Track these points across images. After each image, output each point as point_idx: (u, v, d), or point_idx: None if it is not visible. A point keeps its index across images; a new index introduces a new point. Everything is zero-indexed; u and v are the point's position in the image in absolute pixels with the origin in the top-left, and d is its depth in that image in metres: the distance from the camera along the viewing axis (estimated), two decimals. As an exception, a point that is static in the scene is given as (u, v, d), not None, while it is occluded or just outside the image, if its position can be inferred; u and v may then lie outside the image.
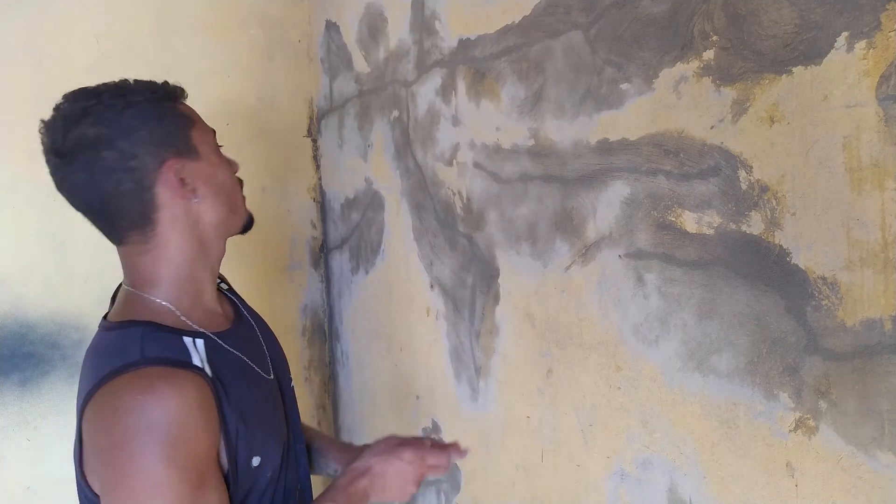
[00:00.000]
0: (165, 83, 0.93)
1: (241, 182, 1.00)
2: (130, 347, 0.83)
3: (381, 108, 1.65)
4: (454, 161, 1.35)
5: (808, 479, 0.74)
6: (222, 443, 0.83)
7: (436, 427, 1.51)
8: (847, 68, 0.66)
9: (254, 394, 0.92)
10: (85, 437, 0.81)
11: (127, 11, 1.75)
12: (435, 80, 1.40)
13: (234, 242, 2.03)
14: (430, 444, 1.06)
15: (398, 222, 1.61)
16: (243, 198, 0.99)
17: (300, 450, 1.05)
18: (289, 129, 2.02)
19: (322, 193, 2.07)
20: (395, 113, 1.58)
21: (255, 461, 0.88)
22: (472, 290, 1.33)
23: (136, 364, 0.80)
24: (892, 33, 0.62)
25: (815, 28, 0.69)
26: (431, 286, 1.48)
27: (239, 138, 1.91)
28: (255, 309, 1.13)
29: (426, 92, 1.44)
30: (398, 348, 1.66)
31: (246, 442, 0.86)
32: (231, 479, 0.85)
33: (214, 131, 0.96)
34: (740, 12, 0.77)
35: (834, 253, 0.69)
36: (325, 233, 2.09)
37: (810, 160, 0.71)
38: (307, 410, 2.07)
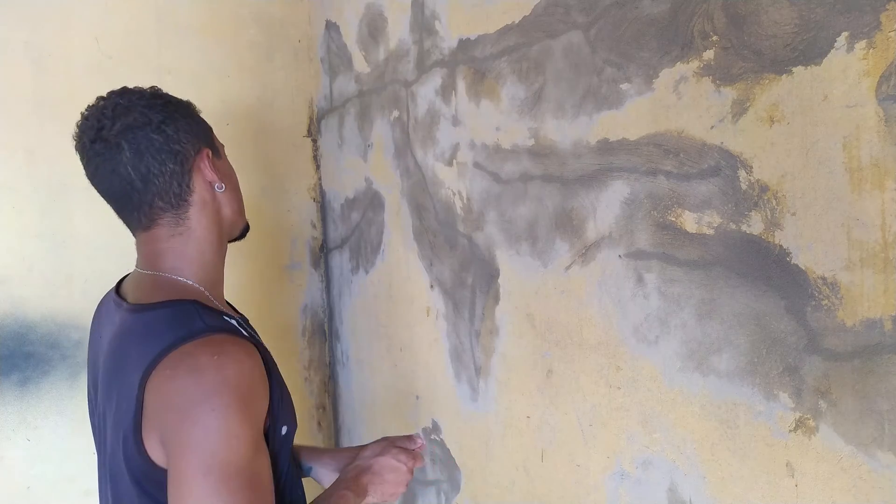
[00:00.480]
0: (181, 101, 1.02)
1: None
2: (192, 318, 0.88)
3: (381, 108, 1.65)
4: (454, 161, 1.35)
5: (808, 479, 0.74)
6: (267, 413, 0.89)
7: (436, 427, 1.51)
8: (847, 68, 0.66)
9: (278, 370, 0.99)
10: (150, 403, 0.83)
11: (127, 11, 1.75)
12: (435, 80, 1.40)
13: (233, 242, 2.03)
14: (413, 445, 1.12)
15: (398, 222, 1.61)
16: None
17: None
18: (289, 129, 2.02)
19: (322, 193, 2.07)
20: (395, 113, 1.58)
21: (284, 430, 0.93)
22: (472, 290, 1.33)
23: (203, 331, 0.85)
24: (892, 33, 0.62)
25: (815, 28, 0.69)
26: (431, 286, 1.48)
27: (239, 138, 1.91)
28: (248, 310, 1.20)
29: (426, 92, 1.44)
30: (398, 348, 1.66)
31: (280, 411, 0.92)
32: (271, 446, 0.90)
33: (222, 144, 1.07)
34: (740, 12, 0.77)
35: (834, 253, 0.69)
36: (325, 233, 2.09)
37: (810, 160, 0.71)
38: (307, 410, 2.07)
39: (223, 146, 1.04)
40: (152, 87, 0.98)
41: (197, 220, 0.97)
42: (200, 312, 0.89)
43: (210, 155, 0.97)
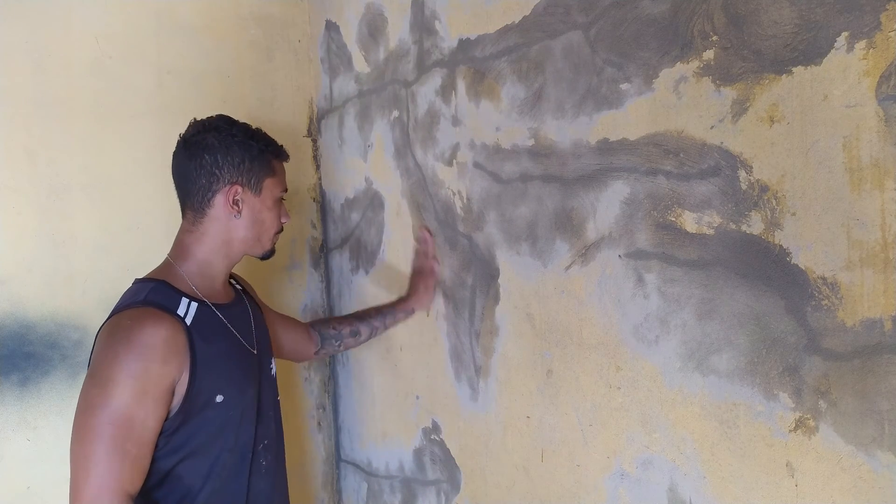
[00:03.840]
0: (281, 146, 1.30)
1: (280, 230, 1.31)
2: (141, 293, 1.15)
3: (381, 108, 1.65)
4: (454, 161, 1.35)
5: (808, 479, 0.74)
6: (185, 377, 1.10)
7: (436, 427, 1.51)
8: (847, 68, 0.66)
9: (230, 351, 1.21)
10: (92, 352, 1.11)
11: (127, 11, 1.75)
12: (435, 80, 1.40)
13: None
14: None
15: (398, 222, 1.61)
16: (274, 240, 1.31)
17: (273, 417, 1.33)
18: (289, 129, 2.02)
19: (322, 193, 2.07)
20: (395, 113, 1.58)
21: (219, 398, 1.15)
22: (472, 290, 1.33)
23: (138, 303, 1.12)
24: (892, 33, 0.63)
25: (815, 28, 0.69)
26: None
27: (239, 138, 1.91)
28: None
29: (426, 92, 1.44)
30: (398, 348, 1.66)
31: (211, 380, 1.14)
32: (185, 404, 1.11)
33: (286, 190, 1.31)
34: (740, 12, 0.77)
35: (834, 253, 0.69)
36: (325, 233, 2.09)
37: (810, 160, 0.71)
38: (307, 410, 2.06)
39: (284, 189, 1.29)
40: (253, 128, 1.26)
41: (209, 226, 1.22)
42: (155, 290, 1.15)
43: (240, 190, 1.21)
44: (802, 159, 0.71)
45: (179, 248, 1.24)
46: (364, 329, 1.55)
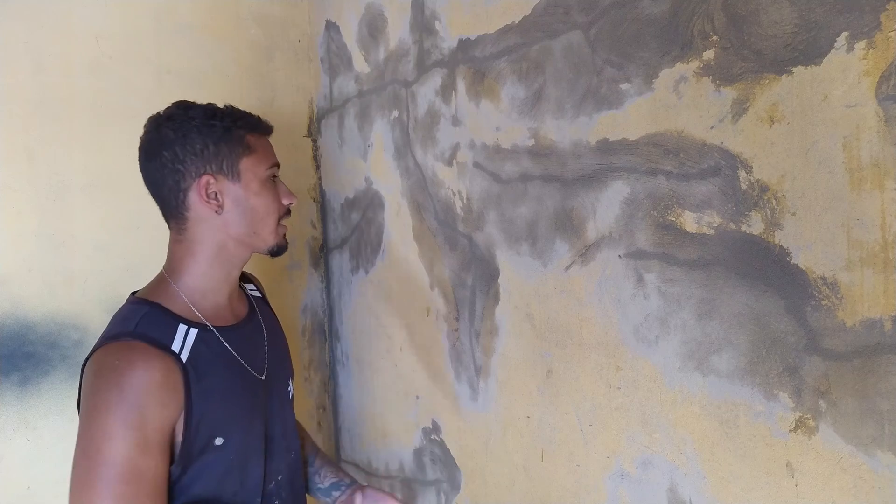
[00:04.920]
0: (256, 117, 1.13)
1: (287, 213, 1.15)
2: (131, 321, 1.00)
3: (381, 108, 1.65)
4: (454, 161, 1.35)
5: (808, 479, 0.74)
6: (182, 420, 0.98)
7: (436, 427, 1.51)
8: (847, 68, 0.66)
9: (233, 384, 1.07)
10: (81, 389, 0.99)
11: (127, 11, 1.75)
12: (435, 80, 1.40)
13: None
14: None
15: (398, 222, 1.61)
16: (280, 227, 1.13)
17: (286, 447, 1.18)
18: (289, 129, 2.02)
19: (322, 193, 2.07)
20: (395, 113, 1.58)
21: (219, 441, 1.02)
22: (472, 290, 1.33)
23: (127, 335, 0.98)
24: (892, 33, 0.62)
25: (815, 28, 0.69)
26: (431, 286, 1.48)
27: (239, 138, 1.91)
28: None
29: (426, 92, 1.44)
30: (398, 348, 1.66)
31: (210, 422, 1.01)
32: (184, 450, 0.99)
33: (276, 166, 1.13)
34: (740, 12, 0.77)
35: (834, 253, 0.69)
36: (325, 233, 2.09)
37: (810, 160, 0.71)
38: (307, 410, 2.06)
39: (269, 166, 1.11)
40: (212, 105, 1.10)
41: (195, 231, 1.07)
42: (146, 316, 1.01)
43: (212, 181, 1.04)
44: (802, 159, 0.71)
45: (172, 262, 1.09)
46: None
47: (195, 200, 1.05)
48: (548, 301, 1.12)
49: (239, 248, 1.11)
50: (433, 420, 1.52)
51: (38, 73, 1.64)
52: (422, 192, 1.49)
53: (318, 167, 2.08)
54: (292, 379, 1.25)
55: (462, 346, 1.38)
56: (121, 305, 1.08)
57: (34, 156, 1.65)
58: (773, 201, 0.75)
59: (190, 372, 1.00)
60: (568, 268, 1.07)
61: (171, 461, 0.99)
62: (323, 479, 1.30)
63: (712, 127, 0.81)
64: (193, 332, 1.03)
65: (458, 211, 1.35)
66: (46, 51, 1.65)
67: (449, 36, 1.34)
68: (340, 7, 1.83)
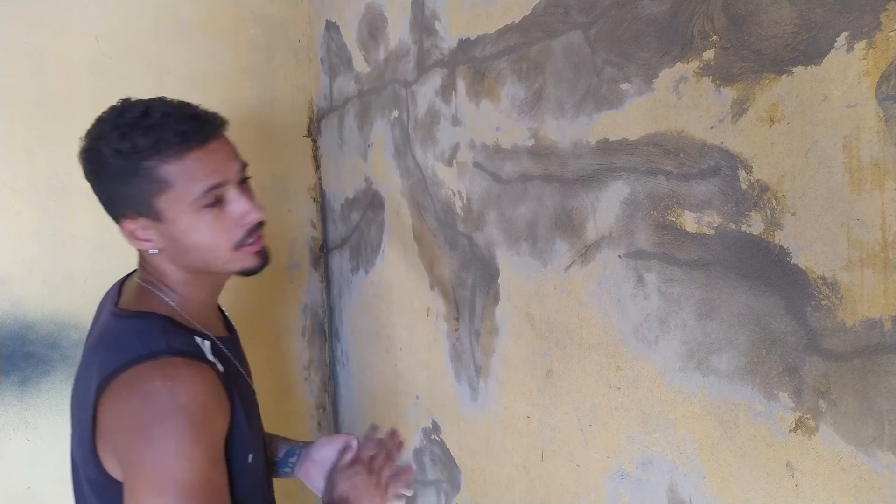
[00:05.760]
0: (184, 129, 0.89)
1: (256, 226, 0.96)
2: (155, 337, 0.88)
3: (381, 108, 1.65)
4: (454, 161, 1.35)
5: (808, 479, 0.74)
6: (228, 431, 0.89)
7: (436, 427, 1.51)
8: (847, 68, 0.66)
9: (249, 396, 1.01)
10: (104, 419, 0.85)
11: (127, 11, 1.75)
12: (435, 80, 1.40)
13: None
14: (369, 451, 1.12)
15: (398, 222, 1.61)
16: (240, 252, 0.95)
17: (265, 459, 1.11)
18: (289, 129, 2.02)
19: (322, 193, 2.07)
20: (395, 113, 1.58)
21: (251, 457, 0.94)
22: (472, 290, 1.33)
23: (162, 353, 0.86)
24: (892, 33, 0.62)
25: (815, 28, 0.69)
26: (431, 286, 1.48)
27: (239, 138, 1.90)
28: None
29: (426, 92, 1.44)
30: (398, 348, 1.66)
31: (245, 437, 0.93)
32: (230, 469, 0.90)
33: (217, 186, 0.91)
34: (740, 12, 0.77)
35: (834, 253, 0.69)
36: (325, 233, 2.08)
37: (810, 160, 0.71)
38: (307, 410, 2.06)
39: (200, 191, 0.90)
40: (134, 122, 0.89)
41: (151, 261, 0.96)
42: (167, 331, 0.89)
43: (133, 223, 0.91)
44: (802, 159, 0.71)
45: (152, 273, 0.97)
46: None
47: (129, 240, 0.94)
48: (548, 301, 1.12)
49: (201, 275, 0.98)
50: (433, 420, 1.52)
51: (38, 73, 1.64)
52: (422, 192, 1.49)
53: (318, 167, 2.08)
54: None
55: (462, 346, 1.38)
56: (115, 322, 0.95)
57: (34, 156, 1.65)
58: (773, 201, 0.75)
59: (228, 382, 0.91)
60: (568, 268, 1.07)
61: None
62: (276, 452, 1.22)
63: (712, 127, 0.81)
64: (207, 343, 0.94)
65: (458, 211, 1.35)
66: (46, 51, 1.65)
67: (449, 36, 1.34)
68: (340, 7, 1.83)
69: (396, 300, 1.65)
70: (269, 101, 1.98)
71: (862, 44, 0.65)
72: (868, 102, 0.65)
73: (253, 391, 1.06)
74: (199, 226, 0.91)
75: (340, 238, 1.97)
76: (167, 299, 0.95)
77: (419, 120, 1.47)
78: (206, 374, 0.87)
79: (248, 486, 0.95)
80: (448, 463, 1.47)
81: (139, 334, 0.89)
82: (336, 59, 1.89)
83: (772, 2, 0.73)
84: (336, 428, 2.10)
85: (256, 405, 1.05)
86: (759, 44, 0.75)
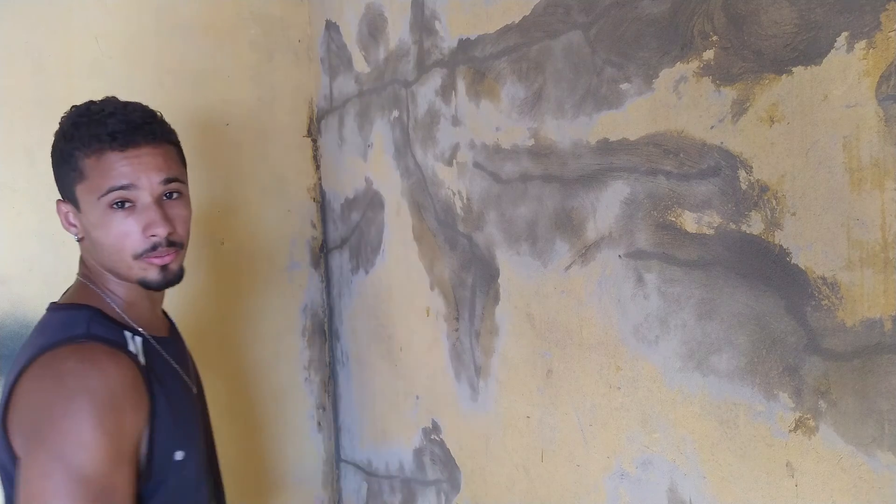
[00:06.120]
0: (106, 127, 0.93)
1: (156, 247, 0.96)
2: (78, 324, 0.91)
3: (381, 108, 1.65)
4: (454, 161, 1.35)
5: (808, 479, 0.74)
6: (147, 426, 0.89)
7: (436, 427, 1.51)
8: (847, 68, 0.66)
9: (182, 395, 1.00)
10: (16, 399, 0.86)
11: (127, 11, 1.75)
12: (435, 80, 1.40)
13: (234, 242, 2.02)
14: None
15: (398, 222, 1.61)
16: (141, 262, 0.96)
17: (217, 477, 1.12)
18: (289, 129, 2.02)
19: (322, 193, 2.07)
20: (395, 113, 1.58)
21: (179, 455, 0.94)
22: (472, 290, 1.33)
23: (81, 337, 0.88)
24: (892, 33, 0.62)
25: (815, 28, 0.69)
26: (431, 286, 1.48)
27: (239, 138, 1.91)
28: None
29: (426, 92, 1.44)
30: (398, 348, 1.66)
31: (171, 433, 0.93)
32: (146, 467, 0.90)
33: (120, 188, 0.93)
34: (740, 12, 0.77)
35: (834, 253, 0.69)
36: (325, 233, 2.09)
37: (810, 160, 0.71)
38: (307, 410, 2.06)
39: (112, 191, 0.93)
40: (83, 113, 0.98)
41: (83, 248, 1.01)
42: (92, 320, 0.91)
43: (64, 207, 0.98)
44: (802, 159, 0.71)
45: (87, 268, 1.00)
46: None
47: (62, 223, 1.01)
48: (548, 301, 1.12)
49: (115, 274, 0.99)
50: (433, 420, 1.52)
51: (38, 73, 1.64)
52: (422, 192, 1.49)
53: (318, 167, 2.08)
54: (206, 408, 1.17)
55: (462, 346, 1.38)
56: (46, 316, 0.98)
57: (34, 156, 1.65)
58: (773, 201, 0.75)
59: (151, 375, 0.92)
60: (568, 268, 1.07)
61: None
62: None
63: (712, 127, 0.81)
64: (138, 339, 0.95)
65: (458, 211, 1.35)
66: (46, 51, 1.65)
67: (449, 36, 1.34)
68: (340, 7, 1.83)
69: (396, 300, 1.65)
70: (269, 101, 1.98)
71: (862, 44, 0.65)
72: (868, 102, 0.65)
73: (193, 394, 1.06)
74: (105, 225, 0.94)
75: (340, 238, 1.97)
76: (102, 294, 0.97)
77: (419, 120, 1.48)
78: (122, 363, 0.87)
79: (175, 483, 0.94)
80: (448, 463, 1.47)
81: (64, 322, 0.92)
82: (336, 59, 1.89)
83: (772, 2, 0.73)
84: (336, 428, 2.10)
85: (195, 408, 1.05)
86: (759, 44, 0.75)
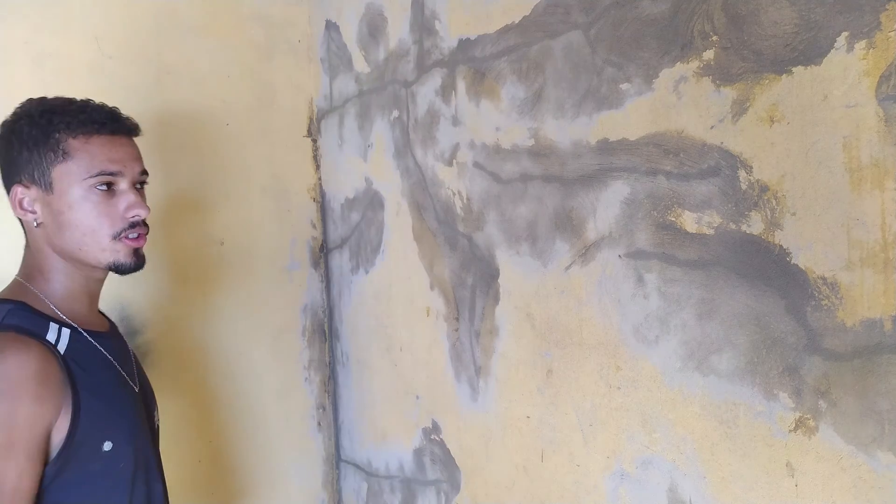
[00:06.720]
0: (87, 114, 0.98)
1: (135, 226, 1.01)
2: None
3: (381, 108, 1.65)
4: (454, 161, 1.35)
5: (808, 479, 0.74)
6: (65, 417, 0.89)
7: (436, 427, 1.51)
8: (847, 68, 0.66)
9: (114, 385, 1.00)
10: None
11: (127, 11, 1.75)
12: (435, 80, 1.40)
13: (233, 242, 2.02)
14: None
15: (398, 222, 1.61)
16: (118, 243, 0.99)
17: (160, 475, 1.09)
18: (289, 129, 2.02)
19: (322, 193, 2.07)
20: (395, 113, 1.58)
21: (107, 445, 0.94)
22: (472, 290, 1.33)
23: None
24: (892, 33, 0.63)
25: (815, 28, 0.69)
26: (431, 286, 1.48)
27: (239, 138, 1.91)
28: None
29: (426, 92, 1.44)
30: (398, 348, 1.66)
31: (98, 422, 0.93)
32: (66, 450, 0.89)
33: (111, 173, 0.98)
34: (740, 12, 0.77)
35: (834, 253, 0.69)
36: (325, 233, 2.09)
37: (810, 160, 0.71)
38: (307, 410, 2.06)
39: (99, 175, 0.97)
40: (46, 104, 0.99)
41: (31, 239, 1.01)
42: (11, 312, 0.93)
43: (21, 191, 0.97)
44: (802, 159, 0.71)
45: (25, 269, 1.01)
46: None
47: (14, 209, 0.99)
48: (548, 301, 1.12)
49: (74, 263, 1.00)
50: (433, 420, 1.52)
51: (38, 73, 1.64)
52: (422, 192, 1.49)
53: (318, 167, 2.08)
54: (157, 411, 1.17)
55: (462, 346, 1.38)
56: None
57: (34, 156, 1.65)
58: (773, 201, 0.75)
59: (71, 364, 0.92)
60: (568, 268, 1.07)
61: (46, 462, 0.88)
62: None
63: (712, 127, 0.81)
64: (66, 331, 0.95)
65: (458, 211, 1.35)
66: (46, 51, 1.65)
67: (449, 36, 1.34)
68: (340, 7, 1.83)
69: (396, 300, 1.65)
70: (269, 102, 1.98)
71: (862, 44, 0.65)
72: (868, 102, 0.65)
73: (132, 390, 1.05)
74: (85, 205, 0.97)
75: (340, 238, 1.97)
76: (35, 290, 0.98)
77: (419, 120, 1.48)
78: (33, 351, 0.87)
79: (103, 474, 0.94)
80: (448, 463, 1.47)
81: None
82: (336, 59, 1.89)
83: (772, 2, 0.73)
84: (336, 428, 2.10)
85: (132, 404, 1.04)
86: (759, 44, 0.75)
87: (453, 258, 1.39)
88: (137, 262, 1.03)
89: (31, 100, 1.02)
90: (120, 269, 1.01)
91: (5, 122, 1.00)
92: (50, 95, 1.05)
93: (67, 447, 0.89)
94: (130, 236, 1.00)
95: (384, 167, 1.65)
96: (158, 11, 1.79)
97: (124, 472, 0.97)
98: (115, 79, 1.72)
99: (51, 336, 0.93)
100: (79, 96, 1.05)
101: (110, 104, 1.06)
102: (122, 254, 1.00)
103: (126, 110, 1.77)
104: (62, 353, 0.92)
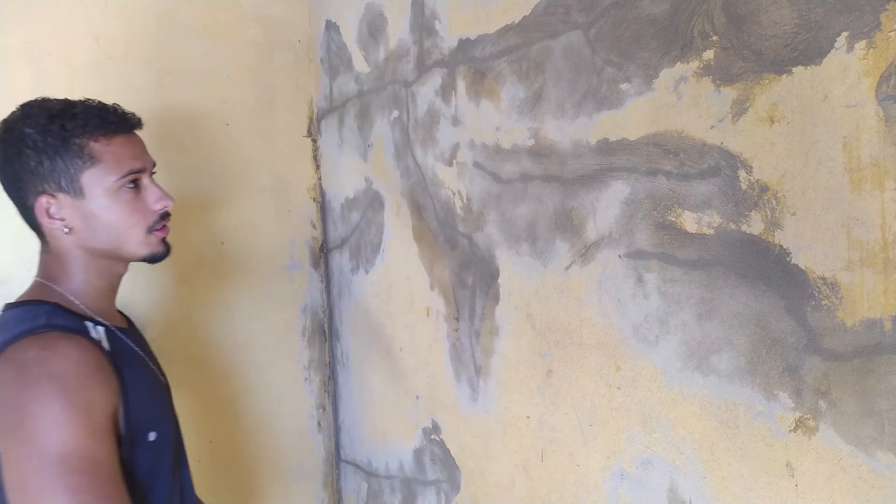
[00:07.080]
0: (105, 116, 1.00)
1: (163, 217, 1.06)
2: (37, 316, 0.93)
3: (381, 108, 1.65)
4: (454, 161, 1.35)
5: (808, 479, 0.74)
6: (121, 406, 0.92)
7: (436, 427, 1.51)
8: (847, 68, 0.66)
9: (150, 380, 1.04)
10: None
11: (127, 11, 1.75)
12: (435, 80, 1.40)
13: (233, 242, 2.02)
14: None
15: (398, 222, 1.61)
16: (151, 235, 1.05)
17: (187, 465, 1.14)
18: (289, 129, 2.02)
19: (322, 193, 2.07)
20: (395, 113, 1.58)
21: (152, 436, 0.97)
22: (472, 290, 1.33)
23: (40, 328, 0.91)
24: (892, 33, 0.62)
25: (815, 28, 0.69)
26: (431, 286, 1.48)
27: (239, 138, 1.91)
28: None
29: (426, 92, 1.44)
30: (398, 348, 1.66)
31: (143, 413, 0.96)
32: (128, 445, 0.93)
33: (135, 171, 1.02)
34: (740, 12, 0.77)
35: (834, 253, 0.69)
36: (325, 233, 2.09)
37: (810, 160, 0.71)
38: (307, 410, 2.06)
39: (121, 175, 1.00)
40: (63, 106, 0.98)
41: (57, 245, 1.01)
42: (51, 313, 0.95)
43: (50, 201, 0.97)
44: (802, 159, 0.71)
45: (47, 272, 1.02)
46: None
47: (42, 218, 0.98)
48: (548, 301, 1.12)
49: (107, 261, 1.03)
50: (433, 420, 1.52)
51: (38, 73, 1.64)
52: (422, 192, 1.49)
53: (318, 167, 2.08)
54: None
55: (462, 346, 1.38)
56: (3, 314, 0.98)
57: (34, 156, 1.65)
58: (773, 201, 0.75)
59: (117, 359, 0.95)
60: (568, 268, 1.07)
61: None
62: None
63: (712, 127, 0.81)
64: (101, 329, 0.98)
65: (458, 211, 1.35)
66: (46, 51, 1.65)
67: (449, 36, 1.34)
68: (340, 7, 1.83)
69: (396, 300, 1.65)
70: (269, 101, 1.98)
71: (862, 44, 0.65)
72: (868, 102, 0.65)
73: (162, 382, 1.10)
74: (117, 206, 1.00)
75: (340, 238, 1.97)
76: (61, 290, 1.00)
77: (419, 120, 1.48)
78: (85, 347, 0.90)
79: (150, 462, 0.98)
80: (448, 463, 1.47)
81: (22, 317, 0.94)
82: (336, 59, 1.89)
83: (772, 2, 0.73)
84: (336, 428, 2.10)
85: (165, 395, 1.09)
86: (759, 44, 0.75)
87: (453, 258, 1.39)
88: (167, 249, 1.08)
89: (25, 105, 1.00)
90: (155, 259, 1.07)
91: (5, 132, 0.98)
92: (47, 97, 1.04)
93: (124, 435, 0.93)
94: (159, 227, 1.06)
95: (384, 167, 1.65)
96: (158, 11, 1.79)
97: (165, 463, 1.01)
98: (115, 79, 1.72)
99: (93, 334, 0.96)
100: (79, 96, 1.06)
101: (109, 103, 1.07)
102: (155, 245, 1.06)
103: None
104: (107, 349, 0.95)
